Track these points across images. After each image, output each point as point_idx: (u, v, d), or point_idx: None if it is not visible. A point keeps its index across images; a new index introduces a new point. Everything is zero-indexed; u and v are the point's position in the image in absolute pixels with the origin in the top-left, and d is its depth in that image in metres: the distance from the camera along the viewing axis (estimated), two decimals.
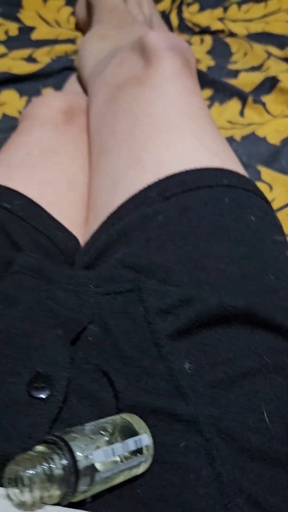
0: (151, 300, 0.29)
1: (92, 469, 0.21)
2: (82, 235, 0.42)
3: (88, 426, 0.23)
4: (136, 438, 0.23)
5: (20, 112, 0.69)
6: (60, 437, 0.21)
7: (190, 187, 0.37)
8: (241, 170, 0.41)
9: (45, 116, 0.51)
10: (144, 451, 0.23)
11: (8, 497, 0.19)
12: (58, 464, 0.20)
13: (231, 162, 0.41)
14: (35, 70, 0.75)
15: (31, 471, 0.19)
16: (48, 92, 0.68)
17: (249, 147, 0.61)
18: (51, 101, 0.53)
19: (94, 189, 0.44)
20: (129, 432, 0.23)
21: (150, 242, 0.34)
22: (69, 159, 0.48)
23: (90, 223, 0.42)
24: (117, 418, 0.24)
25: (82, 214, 0.44)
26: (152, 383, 0.26)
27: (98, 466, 0.21)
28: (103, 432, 0.22)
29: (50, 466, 0.20)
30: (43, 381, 0.25)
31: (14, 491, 0.20)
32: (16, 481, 0.20)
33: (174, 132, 0.42)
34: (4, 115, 0.69)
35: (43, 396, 0.24)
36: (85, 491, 0.21)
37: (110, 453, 0.22)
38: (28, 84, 0.74)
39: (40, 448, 0.21)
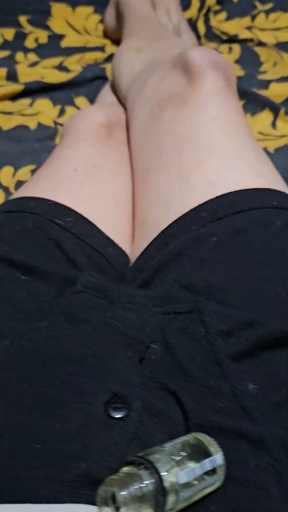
0: (212, 322, 0.31)
1: (176, 488, 0.22)
2: (129, 250, 0.44)
3: (167, 447, 0.24)
4: (211, 458, 0.24)
5: (54, 122, 0.71)
6: (145, 458, 0.23)
7: (241, 209, 0.38)
8: (286, 189, 0.42)
9: (87, 130, 0.52)
10: (218, 470, 0.25)
11: None
12: (149, 485, 0.22)
13: (276, 182, 0.42)
14: (67, 79, 0.76)
15: (124, 491, 0.21)
16: (87, 107, 0.69)
17: (284, 159, 0.62)
18: (91, 115, 0.54)
19: (141, 206, 0.45)
20: (202, 451, 0.25)
21: (205, 263, 0.35)
22: (112, 175, 0.49)
23: (139, 239, 0.43)
24: (190, 437, 0.25)
25: (128, 230, 0.46)
26: (218, 402, 0.28)
27: (181, 486, 0.23)
28: (181, 453, 0.24)
29: (140, 486, 0.21)
30: (120, 401, 0.26)
31: (107, 510, 0.21)
32: (107, 501, 0.21)
33: (221, 154, 0.43)
34: (39, 124, 0.71)
35: (120, 415, 0.26)
36: (171, 509, 0.22)
37: (191, 474, 0.23)
38: (60, 93, 0.75)
39: (127, 469, 0.22)
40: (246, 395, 0.28)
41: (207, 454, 0.25)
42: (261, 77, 0.75)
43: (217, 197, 0.39)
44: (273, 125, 0.67)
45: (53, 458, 0.24)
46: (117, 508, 0.21)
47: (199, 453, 0.25)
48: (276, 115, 0.67)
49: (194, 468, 0.23)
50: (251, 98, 0.70)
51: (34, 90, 0.74)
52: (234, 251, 0.35)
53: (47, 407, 0.26)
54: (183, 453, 0.24)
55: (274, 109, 0.68)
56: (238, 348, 0.30)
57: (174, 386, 0.28)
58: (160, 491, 0.22)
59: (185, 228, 0.38)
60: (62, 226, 0.41)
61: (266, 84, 0.73)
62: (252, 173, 0.41)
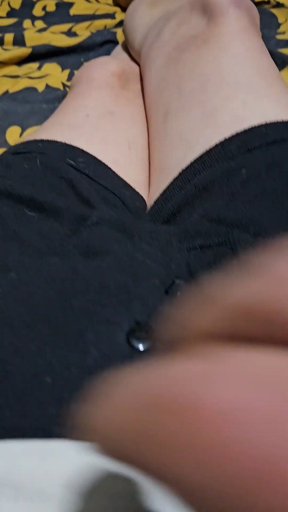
0: (247, 253, 0.27)
1: None
2: (145, 197, 0.40)
3: None
4: None
5: (63, 84, 0.67)
6: None
7: (274, 140, 0.34)
8: None
9: (101, 79, 0.49)
10: None
11: None
12: None
13: None
14: (76, 43, 0.73)
15: None
16: (100, 57, 0.66)
17: None
18: (105, 64, 0.51)
19: (160, 151, 0.42)
20: None
21: (237, 197, 0.32)
22: (127, 122, 0.46)
23: (157, 184, 0.39)
24: None
25: (143, 177, 0.42)
26: None
27: None
28: None
29: None
30: (145, 331, 0.23)
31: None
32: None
33: (249, 90, 0.39)
34: (47, 86, 0.67)
35: (143, 347, 0.22)
36: None
37: None
38: (69, 57, 0.71)
39: None
40: None
41: None
42: (280, 37, 0.71)
43: (246, 130, 0.35)
44: None
45: (67, 393, 0.21)
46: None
47: None
48: None
49: None
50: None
51: (42, 54, 0.71)
52: (269, 184, 0.32)
53: (61, 339, 0.23)
54: None
55: None
56: None
57: None
58: None
59: (211, 163, 0.35)
60: (74, 166, 0.37)
61: (285, 43, 0.69)
62: (282, 108, 0.38)
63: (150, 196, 0.40)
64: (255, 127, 0.35)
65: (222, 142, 0.35)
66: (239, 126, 0.36)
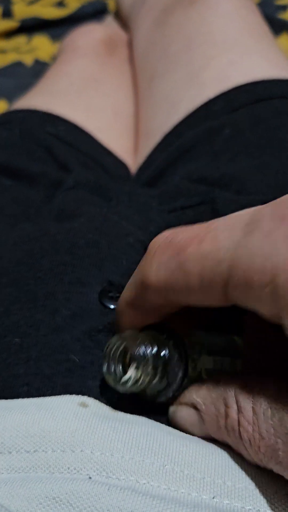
0: (227, 212, 0.25)
1: (198, 375, 0.18)
2: (131, 164, 0.39)
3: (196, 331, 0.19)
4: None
5: (52, 58, 0.66)
6: (171, 329, 0.18)
7: (260, 98, 0.32)
8: None
9: (86, 46, 0.47)
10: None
11: (108, 372, 0.17)
12: (171, 350, 0.17)
13: None
14: (66, 14, 0.71)
15: (141, 349, 0.17)
16: (87, 25, 0.64)
17: None
18: (92, 32, 0.49)
19: (145, 115, 0.40)
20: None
21: (220, 156, 0.30)
22: (113, 89, 0.44)
23: (142, 148, 0.38)
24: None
25: (129, 143, 0.41)
26: None
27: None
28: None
29: (160, 350, 0.17)
30: (117, 291, 0.22)
31: (118, 368, 0.17)
32: (115, 358, 0.17)
33: (236, 49, 0.37)
34: (36, 61, 0.66)
35: (116, 306, 0.21)
36: (183, 388, 0.17)
37: (218, 365, 0.18)
38: (59, 29, 0.69)
39: (148, 332, 0.18)
40: None
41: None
42: (279, 2, 0.68)
43: (232, 89, 0.33)
44: None
45: (35, 352, 0.20)
46: (124, 367, 0.17)
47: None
48: None
49: (221, 361, 0.18)
50: (268, 22, 0.63)
51: (31, 27, 0.69)
52: (253, 141, 0.30)
53: (30, 300, 0.22)
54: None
55: None
56: None
57: None
58: (181, 364, 0.17)
59: (194, 124, 0.33)
60: (54, 134, 0.36)
61: (284, 8, 0.66)
62: (272, 66, 0.36)
63: (136, 162, 0.39)
64: (240, 86, 0.33)
65: (206, 102, 0.34)
66: (224, 85, 0.34)
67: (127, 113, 0.43)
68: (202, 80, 0.36)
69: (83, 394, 0.18)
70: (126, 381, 0.16)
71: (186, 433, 0.17)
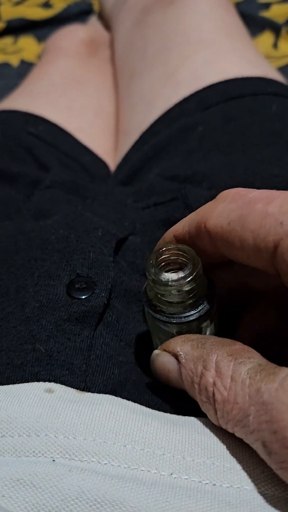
0: (198, 205, 0.26)
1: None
2: (111, 163, 0.40)
3: None
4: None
5: (38, 58, 0.66)
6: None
7: (231, 96, 0.33)
8: (285, 83, 0.38)
9: (68, 47, 0.48)
10: None
11: (161, 277, 0.17)
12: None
13: (273, 74, 0.37)
14: (52, 15, 0.71)
15: (191, 255, 0.18)
16: (69, 25, 0.65)
17: (286, 78, 0.56)
18: (74, 32, 0.50)
19: (124, 114, 0.41)
20: None
21: (193, 154, 0.31)
22: (94, 89, 0.45)
23: (121, 147, 0.39)
24: None
25: (110, 142, 0.41)
26: None
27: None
28: None
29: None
30: (84, 282, 0.22)
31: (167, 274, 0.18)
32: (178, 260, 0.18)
33: (211, 48, 0.38)
34: (22, 61, 0.66)
35: (83, 296, 0.22)
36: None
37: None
38: (45, 30, 0.70)
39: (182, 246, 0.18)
40: None
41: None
42: (262, 0, 0.68)
43: (205, 88, 0.34)
44: (275, 45, 0.61)
45: (6, 343, 0.21)
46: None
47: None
48: (277, 35, 0.62)
49: None
50: (250, 21, 0.64)
51: (17, 28, 0.70)
52: (224, 138, 0.31)
53: (2, 294, 0.23)
54: None
55: (276, 29, 0.62)
56: None
57: None
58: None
59: (168, 123, 0.34)
60: (35, 134, 0.37)
61: (266, 6, 0.67)
62: (247, 64, 0.37)
63: (116, 160, 0.40)
64: (213, 84, 0.34)
65: (180, 101, 0.34)
66: (198, 84, 0.35)
67: (108, 112, 0.44)
68: (177, 80, 0.36)
69: (50, 382, 0.19)
70: (182, 279, 0.17)
71: (162, 378, 0.18)
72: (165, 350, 0.18)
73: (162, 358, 0.18)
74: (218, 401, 0.16)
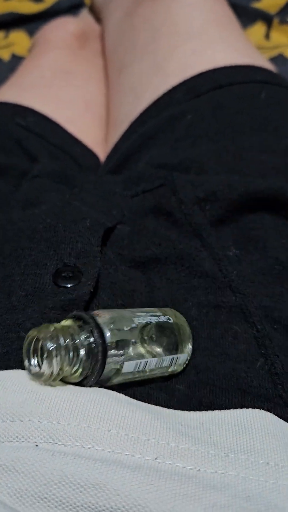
0: (185, 191, 0.26)
1: (120, 363, 0.18)
2: (101, 154, 0.40)
3: (125, 311, 0.20)
4: (174, 356, 0.20)
5: (29, 51, 0.66)
6: (90, 314, 0.18)
7: (220, 84, 0.33)
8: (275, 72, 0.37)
9: (58, 40, 0.48)
10: (182, 354, 0.20)
11: (27, 367, 0.18)
12: (84, 341, 0.18)
13: (264, 63, 0.37)
14: (43, 8, 0.71)
15: (53, 344, 0.17)
16: (59, 18, 0.64)
17: (278, 69, 0.56)
18: (64, 25, 0.50)
19: (114, 105, 0.41)
20: (168, 331, 0.20)
21: (181, 142, 0.31)
22: (84, 81, 0.45)
23: (111, 138, 0.39)
24: (157, 312, 0.21)
25: (100, 134, 0.41)
26: (197, 275, 0.23)
27: (124, 365, 0.18)
28: (137, 320, 0.20)
29: (75, 341, 0.17)
30: (70, 271, 0.22)
31: (33, 361, 0.17)
32: (37, 352, 0.17)
33: (201, 38, 0.38)
34: (14, 56, 0.66)
35: (70, 285, 0.22)
36: (108, 378, 0.18)
37: (141, 366, 0.19)
38: (36, 24, 0.69)
39: (66, 322, 0.18)
40: (228, 260, 0.23)
41: (172, 335, 0.20)
42: None
43: (193, 76, 0.34)
44: (267, 36, 0.61)
45: None
46: (42, 360, 0.17)
47: (166, 335, 0.20)
48: (269, 26, 0.61)
49: (149, 361, 0.19)
50: (241, 12, 0.64)
51: (8, 22, 0.69)
52: (213, 126, 0.31)
53: None
54: (139, 324, 0.20)
55: (267, 19, 0.61)
56: (217, 213, 0.25)
57: (145, 260, 0.24)
58: (98, 352, 0.18)
59: (157, 112, 0.34)
60: (24, 126, 0.37)
61: None
62: (236, 53, 0.36)
63: (106, 151, 0.39)
64: (202, 73, 0.34)
65: (169, 90, 0.34)
66: (187, 74, 0.35)
67: (98, 104, 0.43)
68: (166, 70, 0.36)
69: None
70: (41, 375, 0.17)
71: None
72: None
73: None
74: None
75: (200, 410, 0.19)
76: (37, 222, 0.25)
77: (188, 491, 0.15)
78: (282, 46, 0.60)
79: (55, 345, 0.17)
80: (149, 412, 0.17)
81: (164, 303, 0.23)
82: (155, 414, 0.17)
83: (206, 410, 0.18)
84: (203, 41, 0.37)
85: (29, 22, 0.70)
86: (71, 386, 0.18)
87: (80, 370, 0.18)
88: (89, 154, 0.38)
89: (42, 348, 0.17)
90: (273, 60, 0.58)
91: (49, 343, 0.17)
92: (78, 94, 0.43)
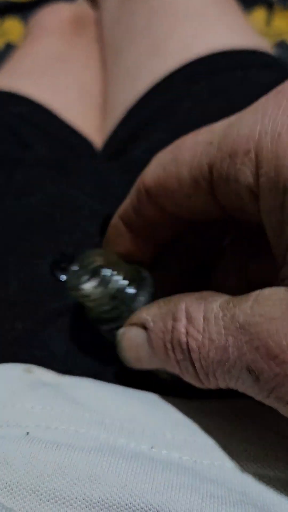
0: None
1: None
2: (98, 142, 0.38)
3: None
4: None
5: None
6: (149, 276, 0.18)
7: (220, 68, 0.32)
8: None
9: (53, 26, 0.46)
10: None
11: (73, 273, 0.17)
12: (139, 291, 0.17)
13: (264, 46, 0.36)
14: None
15: (113, 274, 0.17)
16: (54, 4, 0.63)
17: (280, 55, 0.55)
18: (58, 11, 0.49)
19: (111, 91, 0.39)
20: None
21: (181, 127, 0.30)
22: (79, 68, 0.44)
23: (108, 125, 0.37)
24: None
25: (96, 121, 0.40)
26: None
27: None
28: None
29: (129, 284, 0.17)
30: (70, 263, 0.21)
31: (82, 272, 0.17)
32: (89, 266, 0.17)
33: (199, 20, 0.37)
34: (8, 45, 0.64)
35: (66, 277, 0.21)
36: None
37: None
38: (31, 12, 0.68)
39: (129, 265, 0.18)
40: None
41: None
42: None
43: (192, 61, 0.33)
44: (268, 23, 0.60)
45: None
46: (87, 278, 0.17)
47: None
48: (270, 12, 0.60)
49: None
50: None
51: (2, 11, 0.68)
52: (212, 111, 0.30)
53: None
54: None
55: (268, 5, 0.60)
56: None
57: None
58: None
59: (155, 97, 0.33)
60: (17, 114, 0.36)
61: None
62: (235, 36, 0.35)
63: (102, 139, 0.38)
64: (201, 57, 0.33)
65: (167, 76, 0.33)
66: (185, 56, 0.34)
67: (95, 91, 0.42)
68: (164, 52, 0.35)
69: (29, 363, 0.18)
70: (81, 289, 0.16)
71: (132, 357, 0.16)
72: (130, 324, 0.16)
73: (128, 334, 0.16)
74: (193, 349, 0.14)
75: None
76: (33, 211, 0.24)
77: (185, 481, 0.14)
78: (284, 32, 0.58)
79: (113, 277, 0.17)
80: (146, 403, 0.16)
81: None
82: (152, 405, 0.16)
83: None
84: (202, 23, 0.36)
85: (23, 10, 0.68)
86: (66, 379, 0.17)
87: (116, 312, 0.17)
88: (85, 142, 0.37)
89: (100, 270, 0.17)
90: (275, 47, 0.57)
91: (110, 272, 0.17)
92: (73, 81, 0.42)
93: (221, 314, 0.14)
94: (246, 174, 0.13)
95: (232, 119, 0.14)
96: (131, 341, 0.16)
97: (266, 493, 0.14)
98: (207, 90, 0.31)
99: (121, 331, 0.17)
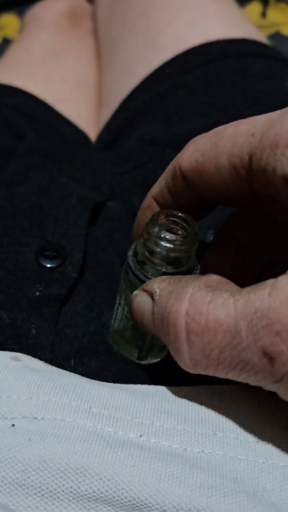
0: None
1: None
2: (93, 135, 0.39)
3: None
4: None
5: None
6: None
7: (213, 58, 0.32)
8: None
9: (48, 19, 0.47)
10: None
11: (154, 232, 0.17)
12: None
13: (258, 36, 0.36)
14: None
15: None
16: None
17: (275, 47, 0.55)
18: (54, 5, 0.49)
19: (106, 83, 0.40)
20: None
21: (172, 117, 0.30)
22: (75, 61, 0.44)
23: (103, 117, 0.38)
24: None
25: (92, 114, 0.40)
26: None
27: None
28: None
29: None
30: (54, 250, 0.22)
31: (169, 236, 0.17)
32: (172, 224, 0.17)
33: (195, 11, 0.37)
34: (5, 39, 0.64)
35: (53, 265, 0.21)
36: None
37: None
38: (28, 7, 0.68)
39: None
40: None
41: None
42: None
43: (186, 51, 0.33)
44: (263, 14, 0.60)
45: None
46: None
47: None
48: (266, 4, 0.60)
49: None
50: None
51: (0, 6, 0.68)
52: (205, 99, 0.30)
53: None
54: None
55: None
56: None
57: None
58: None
59: (148, 88, 0.33)
60: (12, 106, 0.36)
61: None
62: (230, 26, 0.35)
63: (97, 132, 0.38)
64: (194, 47, 0.33)
65: (161, 66, 0.33)
66: (180, 48, 0.34)
67: (90, 84, 0.42)
68: (159, 44, 0.35)
69: (16, 351, 0.18)
70: (166, 240, 0.17)
71: (137, 320, 0.17)
72: (143, 289, 0.17)
73: (139, 298, 0.17)
74: (195, 331, 0.14)
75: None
76: (21, 200, 0.24)
77: (174, 471, 0.14)
78: (279, 24, 0.58)
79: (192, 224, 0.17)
80: (133, 393, 0.16)
81: None
82: (140, 395, 0.16)
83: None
84: (197, 14, 0.36)
85: (20, 5, 0.68)
86: (53, 369, 0.17)
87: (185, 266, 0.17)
88: (79, 133, 0.37)
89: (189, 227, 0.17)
90: (270, 38, 0.57)
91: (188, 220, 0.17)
92: (69, 74, 0.42)
93: (232, 300, 0.14)
94: (284, 165, 0.14)
95: (275, 114, 0.15)
96: (139, 305, 0.17)
97: (258, 479, 0.14)
98: (200, 79, 0.31)
99: (135, 292, 0.17)
